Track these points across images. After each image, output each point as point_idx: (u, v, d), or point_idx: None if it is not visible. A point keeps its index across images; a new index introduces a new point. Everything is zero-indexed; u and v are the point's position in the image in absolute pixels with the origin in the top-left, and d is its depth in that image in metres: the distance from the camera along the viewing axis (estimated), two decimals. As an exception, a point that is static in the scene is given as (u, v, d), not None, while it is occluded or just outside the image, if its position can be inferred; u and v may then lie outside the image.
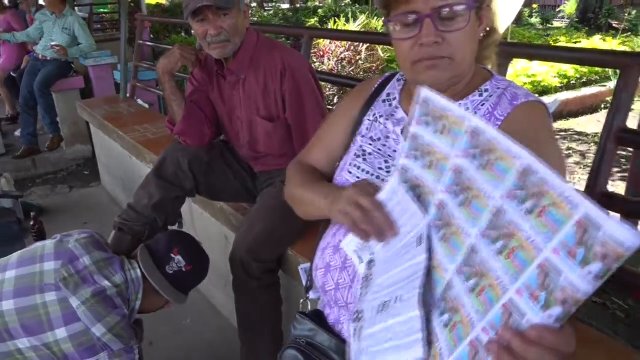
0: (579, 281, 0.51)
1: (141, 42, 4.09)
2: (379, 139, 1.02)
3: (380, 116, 1.03)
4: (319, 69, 6.12)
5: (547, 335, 0.55)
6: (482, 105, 0.92)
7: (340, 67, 6.34)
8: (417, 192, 0.79)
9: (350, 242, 0.92)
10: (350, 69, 6.35)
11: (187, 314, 2.43)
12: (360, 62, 6.49)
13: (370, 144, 1.02)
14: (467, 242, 0.67)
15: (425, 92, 0.78)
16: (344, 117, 1.10)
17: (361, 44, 6.37)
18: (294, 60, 1.72)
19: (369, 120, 1.05)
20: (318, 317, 1.05)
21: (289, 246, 1.69)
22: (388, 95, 1.06)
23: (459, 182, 0.70)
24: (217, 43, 1.65)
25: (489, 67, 1.01)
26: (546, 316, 0.54)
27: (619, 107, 1.30)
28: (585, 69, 7.68)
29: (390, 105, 1.04)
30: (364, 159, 1.01)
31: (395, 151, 0.99)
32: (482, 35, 0.93)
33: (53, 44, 4.51)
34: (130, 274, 1.51)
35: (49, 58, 4.61)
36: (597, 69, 7.83)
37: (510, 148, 0.61)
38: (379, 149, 1.01)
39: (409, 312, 0.72)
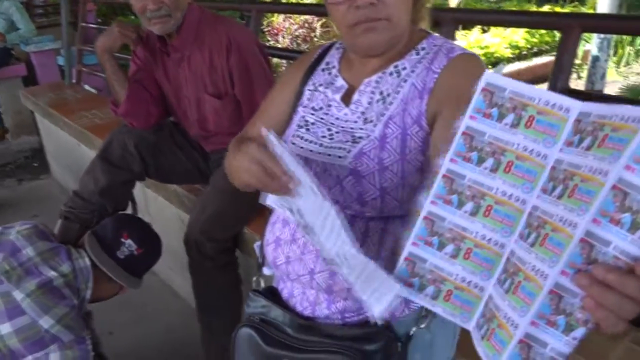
0: None
1: (84, 24, 3.91)
2: (321, 108, 1.00)
3: (320, 85, 1.01)
4: (274, 46, 6.02)
5: None
6: (420, 62, 0.91)
7: (295, 45, 6.27)
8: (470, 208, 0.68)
9: (273, 198, 0.87)
10: (306, 47, 6.28)
11: (147, 301, 2.38)
12: (315, 39, 6.43)
13: (313, 114, 1.00)
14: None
15: (490, 77, 0.66)
16: (286, 89, 1.07)
17: (315, 21, 6.30)
18: (239, 34, 1.67)
19: (309, 90, 1.03)
20: (272, 293, 1.03)
21: (245, 225, 1.66)
22: (327, 64, 1.04)
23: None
24: (157, 18, 1.58)
25: (424, 27, 1.01)
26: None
27: (561, 68, 1.32)
28: (535, 39, 7.85)
29: (330, 73, 1.02)
30: (307, 129, 0.99)
31: (337, 118, 0.97)
32: None
33: (-11, 29, 4.27)
34: (78, 263, 1.45)
35: (-15, 45, 4.37)
36: (547, 38, 8.02)
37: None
38: (322, 118, 0.99)
39: (361, 260, 0.71)
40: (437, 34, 0.97)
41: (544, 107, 0.61)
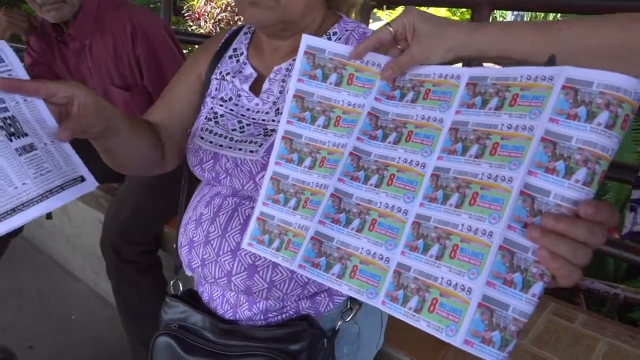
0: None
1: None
2: (230, 99, 0.94)
3: (227, 74, 0.95)
4: (196, 32, 5.81)
5: (588, 207, 0.49)
6: None
7: (218, 30, 6.06)
8: (309, 162, 0.73)
9: None
10: (229, 31, 6.11)
11: (71, 310, 2.24)
12: (239, 22, 6.26)
13: (222, 105, 0.94)
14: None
15: (309, 40, 0.73)
16: (189, 72, 1.01)
17: (238, 4, 6.12)
18: (144, 19, 1.55)
19: (216, 79, 0.96)
20: (192, 298, 0.97)
21: (165, 223, 1.57)
22: (235, 50, 0.97)
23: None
24: (50, 4, 1.44)
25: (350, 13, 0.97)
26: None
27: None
28: (457, 17, 8.06)
29: (238, 61, 0.96)
30: (216, 122, 0.93)
31: (248, 109, 0.91)
32: None
33: None
34: None
35: None
36: (467, 16, 8.27)
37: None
38: (231, 109, 0.93)
39: None
40: (349, 19, 0.94)
41: (361, 65, 0.71)
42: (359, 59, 0.71)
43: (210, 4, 6.17)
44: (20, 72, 0.63)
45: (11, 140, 0.58)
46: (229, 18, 6.23)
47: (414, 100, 0.68)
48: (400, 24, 0.68)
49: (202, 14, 6.16)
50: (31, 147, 0.60)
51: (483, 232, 0.56)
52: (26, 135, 0.60)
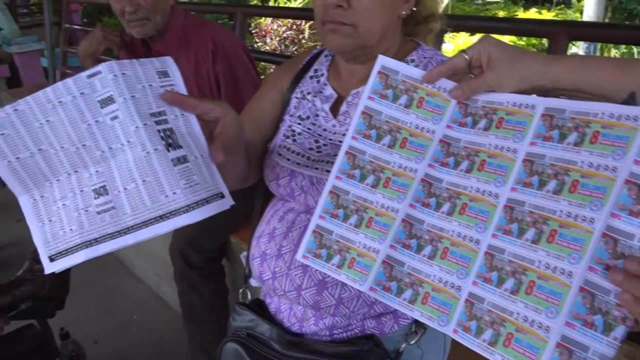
0: None
1: (68, 25, 3.84)
2: (308, 117, 0.97)
3: (308, 93, 0.99)
4: (262, 49, 5.98)
5: None
6: None
7: (283, 47, 6.23)
8: (372, 180, 0.74)
9: None
10: (294, 49, 6.24)
11: (134, 310, 2.34)
12: (303, 41, 6.39)
13: (299, 123, 0.98)
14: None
15: (384, 60, 0.74)
16: (273, 89, 1.05)
17: (304, 23, 6.27)
18: (225, 39, 1.64)
19: (296, 98, 1.00)
20: (259, 307, 1.01)
21: (231, 234, 1.63)
22: (315, 71, 1.01)
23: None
24: (135, 21, 1.56)
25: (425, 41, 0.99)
26: None
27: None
28: (522, 42, 7.88)
29: (319, 81, 1.00)
30: (294, 140, 0.97)
31: (325, 130, 0.95)
32: (404, 13, 0.90)
33: (-30, 30, 4.19)
34: None
35: (-33, 46, 4.29)
36: (534, 41, 8.06)
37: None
38: (309, 128, 0.97)
39: None
40: (427, 47, 0.96)
41: (432, 89, 0.71)
42: (431, 84, 0.72)
43: (276, 22, 6.33)
44: (181, 87, 0.66)
45: (168, 151, 0.61)
46: (293, 36, 6.37)
47: (486, 129, 0.67)
48: (475, 52, 0.68)
49: (269, 32, 6.33)
50: (184, 159, 0.62)
51: (562, 271, 0.56)
52: (180, 147, 0.62)
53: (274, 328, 0.94)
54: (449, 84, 0.71)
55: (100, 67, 0.59)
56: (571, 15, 9.49)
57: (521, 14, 9.87)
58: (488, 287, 0.61)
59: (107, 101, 0.60)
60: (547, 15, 9.32)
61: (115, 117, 0.60)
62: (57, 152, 0.62)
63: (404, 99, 0.73)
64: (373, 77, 0.74)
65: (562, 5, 10.17)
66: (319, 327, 0.90)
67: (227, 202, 0.65)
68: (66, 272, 1.53)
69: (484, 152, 0.66)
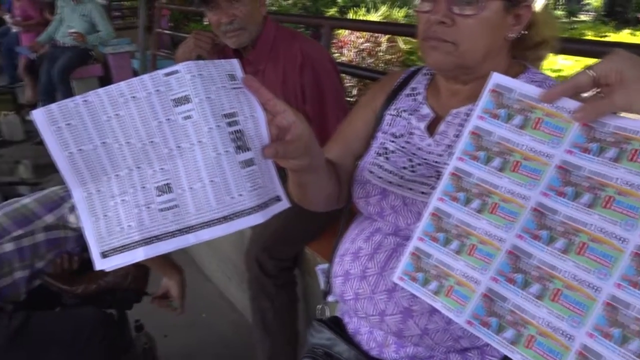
0: None
1: (159, 30, 4.06)
2: (402, 135, 0.95)
3: (404, 111, 0.97)
4: (338, 60, 6.02)
5: None
6: None
7: (359, 59, 6.24)
8: (477, 204, 0.70)
9: None
10: (370, 61, 6.24)
11: (202, 308, 2.40)
12: (380, 53, 6.37)
13: (393, 141, 0.96)
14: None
15: (498, 78, 0.70)
16: (366, 108, 1.04)
17: (381, 35, 6.26)
18: (314, 51, 1.66)
19: (390, 115, 0.98)
20: (336, 325, 0.99)
21: (306, 244, 1.63)
22: (413, 89, 0.99)
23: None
24: (231, 32, 1.60)
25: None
26: None
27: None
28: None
29: (415, 100, 0.97)
30: (386, 158, 0.95)
31: (419, 149, 0.92)
32: (512, 35, 0.86)
33: (71, 30, 4.50)
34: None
35: (67, 45, 4.61)
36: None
37: None
38: (402, 147, 0.94)
39: None
40: (535, 70, 0.91)
41: (551, 109, 0.65)
42: (551, 104, 0.65)
43: (354, 34, 6.36)
44: (248, 92, 0.66)
45: (237, 154, 0.61)
46: (370, 48, 6.36)
47: (616, 159, 0.59)
48: (604, 69, 0.60)
49: (346, 43, 6.37)
50: (251, 162, 0.62)
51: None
52: (249, 149, 0.62)
53: (352, 349, 0.92)
54: (571, 104, 0.63)
55: (178, 67, 0.59)
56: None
57: (613, 36, 9.36)
58: (607, 343, 0.57)
59: (182, 100, 0.60)
60: (642, 37, 8.77)
61: (189, 117, 0.60)
62: (121, 147, 0.61)
63: (518, 119, 0.67)
64: (485, 95, 0.70)
65: (658, 27, 9.53)
66: (399, 355, 0.88)
67: (285, 204, 0.65)
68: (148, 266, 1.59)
69: (612, 187, 0.59)
